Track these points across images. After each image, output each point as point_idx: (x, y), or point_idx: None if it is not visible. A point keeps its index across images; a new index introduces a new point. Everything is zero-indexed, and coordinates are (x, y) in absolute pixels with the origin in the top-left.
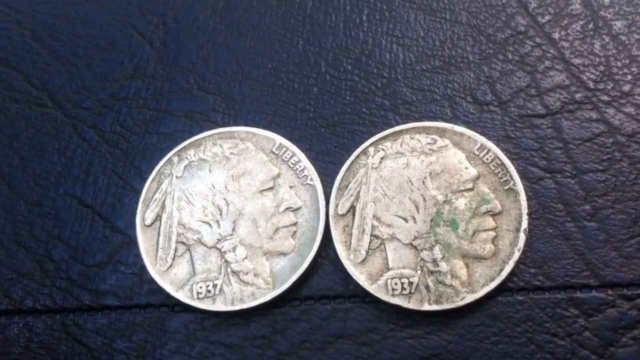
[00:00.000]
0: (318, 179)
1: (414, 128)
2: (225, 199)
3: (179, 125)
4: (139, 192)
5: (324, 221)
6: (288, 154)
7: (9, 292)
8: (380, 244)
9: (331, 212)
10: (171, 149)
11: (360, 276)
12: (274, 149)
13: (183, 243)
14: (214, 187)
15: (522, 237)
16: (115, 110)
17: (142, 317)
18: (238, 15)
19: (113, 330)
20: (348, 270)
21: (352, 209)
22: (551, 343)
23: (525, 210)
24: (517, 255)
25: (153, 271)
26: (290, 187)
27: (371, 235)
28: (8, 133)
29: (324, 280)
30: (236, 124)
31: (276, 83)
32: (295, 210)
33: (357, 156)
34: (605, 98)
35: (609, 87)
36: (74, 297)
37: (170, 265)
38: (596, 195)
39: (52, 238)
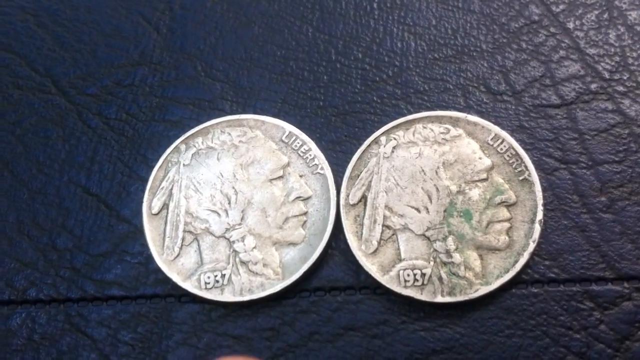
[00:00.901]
0: (329, 167)
1: (426, 117)
2: (234, 188)
3: (186, 113)
4: (145, 181)
5: (334, 211)
6: (298, 143)
7: (12, 281)
8: (392, 235)
9: (342, 202)
10: (178, 137)
11: (371, 267)
12: (283, 138)
13: (190, 232)
14: (222, 176)
15: (537, 229)
16: (121, 98)
17: (147, 307)
18: (246, 1)
19: (118, 321)
20: (359, 261)
21: (364, 198)
22: (566, 336)
23: (540, 201)
24: (532, 246)
25: (160, 260)
26: (300, 176)
27: (383, 225)
28: (11, 120)
29: (334, 272)
30: (245, 112)
31: (285, 71)
32: (305, 199)
33: (369, 145)
34: (621, 89)
35: (625, 78)
36: (79, 287)
37: (178, 255)
38: (612, 187)
39: (56, 227)
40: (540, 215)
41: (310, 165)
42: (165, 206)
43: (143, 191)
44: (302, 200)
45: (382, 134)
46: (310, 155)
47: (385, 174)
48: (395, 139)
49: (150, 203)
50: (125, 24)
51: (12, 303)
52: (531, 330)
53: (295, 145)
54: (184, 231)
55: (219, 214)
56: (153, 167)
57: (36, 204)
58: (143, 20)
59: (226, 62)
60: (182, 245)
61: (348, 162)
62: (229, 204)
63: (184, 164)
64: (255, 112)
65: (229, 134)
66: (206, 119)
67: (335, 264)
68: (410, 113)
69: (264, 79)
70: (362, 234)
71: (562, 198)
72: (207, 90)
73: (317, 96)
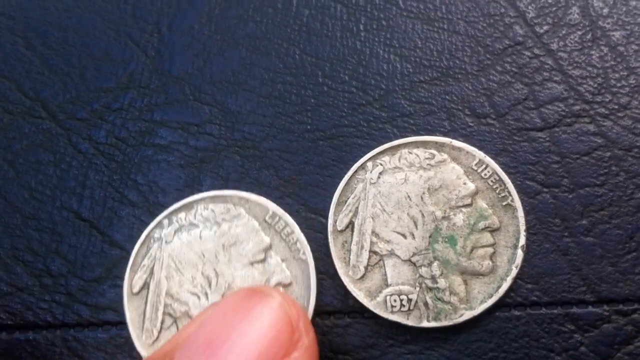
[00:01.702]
0: (310, 253)
1: (412, 142)
2: (215, 270)
3: (175, 137)
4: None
5: (314, 299)
6: (281, 224)
7: (9, 306)
8: (379, 260)
9: (330, 228)
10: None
11: (359, 293)
12: (266, 218)
13: (170, 315)
14: (204, 256)
15: (520, 254)
16: (110, 122)
17: None
18: (234, 23)
19: (114, 345)
20: (347, 286)
21: (351, 224)
22: (548, 358)
23: (522, 227)
24: (514, 272)
25: (139, 344)
26: (282, 260)
27: (370, 251)
28: (2, 145)
29: (323, 296)
30: (232, 136)
31: (273, 94)
32: (286, 285)
33: (356, 171)
34: (603, 111)
35: (607, 100)
36: (74, 312)
37: (157, 339)
38: (593, 210)
39: (50, 252)
40: (522, 240)
41: (292, 249)
42: (146, 285)
43: (134, 216)
44: (282, 286)
45: (369, 159)
46: (292, 238)
47: (372, 199)
48: (381, 164)
49: (132, 281)
50: (113, 47)
51: (10, 328)
52: (514, 352)
53: (278, 227)
54: (164, 313)
55: (199, 297)
56: (144, 192)
57: (29, 230)
58: (131, 43)
59: (214, 85)
60: (161, 328)
61: (335, 187)
62: (210, 287)
63: (166, 241)
64: (243, 136)
65: (212, 210)
66: (194, 143)
67: (325, 288)
68: (396, 136)
69: (252, 102)
70: (349, 260)
71: (544, 222)
72: (195, 114)
73: (305, 119)
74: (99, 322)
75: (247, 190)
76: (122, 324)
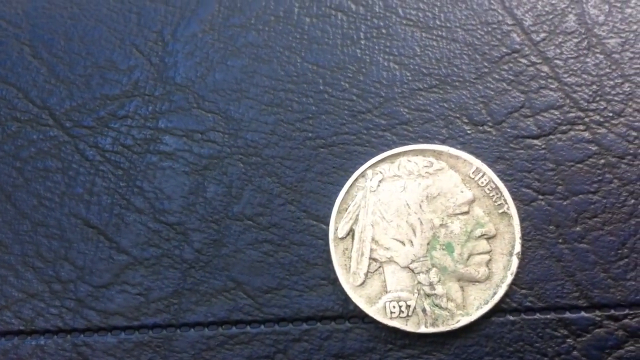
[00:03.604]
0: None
1: (410, 151)
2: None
3: (179, 145)
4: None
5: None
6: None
7: (20, 312)
8: (379, 267)
9: (331, 235)
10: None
11: (359, 299)
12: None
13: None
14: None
15: (515, 261)
16: (116, 129)
17: (149, 337)
18: (236, 32)
19: (122, 350)
20: (347, 293)
21: (352, 232)
22: None
23: (518, 235)
24: (510, 278)
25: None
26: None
27: (370, 258)
28: (11, 152)
29: (325, 301)
30: (236, 143)
31: (274, 102)
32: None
33: (356, 179)
34: (598, 118)
35: (602, 107)
36: (83, 317)
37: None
38: (587, 217)
39: (59, 259)
40: (518, 247)
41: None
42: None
43: (140, 222)
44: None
45: (369, 167)
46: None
47: (372, 207)
48: (381, 172)
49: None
50: (118, 55)
51: (22, 333)
52: (509, 357)
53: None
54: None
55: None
56: (150, 198)
57: (39, 236)
58: (136, 51)
59: (217, 92)
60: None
61: (336, 194)
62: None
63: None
64: (245, 144)
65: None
66: (198, 150)
67: (326, 294)
68: (395, 144)
69: (254, 109)
70: (350, 267)
71: (539, 228)
72: (199, 121)
73: (306, 127)
74: (108, 327)
75: (250, 197)
76: (130, 328)
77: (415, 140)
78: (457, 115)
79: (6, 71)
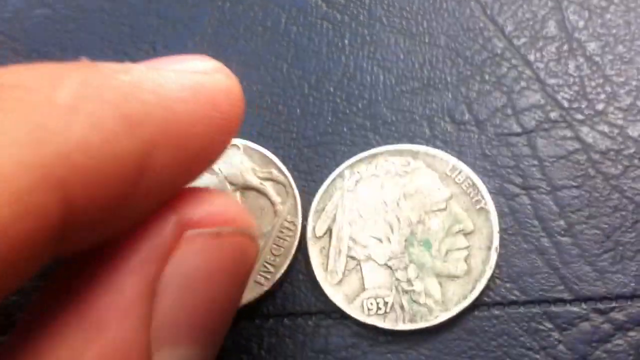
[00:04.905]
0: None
1: (388, 151)
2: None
3: None
4: None
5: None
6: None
7: None
8: (357, 265)
9: (309, 234)
10: None
11: (337, 297)
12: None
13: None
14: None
15: (494, 255)
16: None
17: None
18: (225, 40)
19: None
20: (325, 291)
21: (329, 231)
22: (526, 357)
23: (496, 229)
24: (489, 272)
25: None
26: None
27: (347, 256)
28: None
29: (306, 299)
30: None
31: (261, 105)
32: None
33: (334, 179)
34: (580, 117)
35: (583, 106)
36: None
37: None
38: (570, 211)
39: None
40: (496, 242)
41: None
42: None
43: None
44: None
45: (347, 167)
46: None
47: (349, 206)
48: (359, 172)
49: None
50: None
51: None
52: (493, 351)
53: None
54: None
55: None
56: None
57: None
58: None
59: None
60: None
61: (318, 192)
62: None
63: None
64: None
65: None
66: None
67: (307, 290)
68: (379, 143)
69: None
70: (328, 265)
71: (522, 223)
72: None
73: (291, 128)
74: None
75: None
76: None
77: (399, 140)
78: (440, 115)
79: None
